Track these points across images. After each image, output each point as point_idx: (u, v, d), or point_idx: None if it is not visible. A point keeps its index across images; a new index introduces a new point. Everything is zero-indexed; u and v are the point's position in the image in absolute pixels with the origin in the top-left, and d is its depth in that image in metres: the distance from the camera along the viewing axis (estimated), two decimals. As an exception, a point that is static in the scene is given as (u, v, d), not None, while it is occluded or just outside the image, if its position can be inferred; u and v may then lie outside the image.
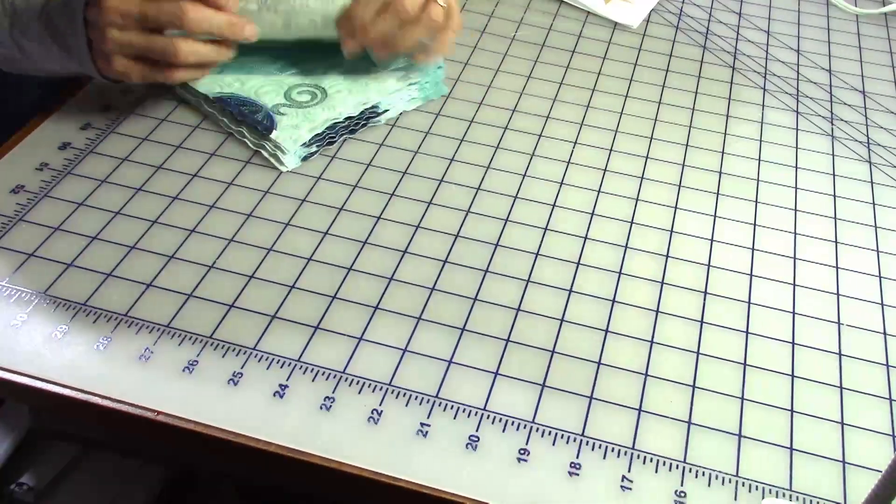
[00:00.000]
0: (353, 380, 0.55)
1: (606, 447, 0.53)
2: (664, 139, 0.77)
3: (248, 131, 0.72)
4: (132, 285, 0.60)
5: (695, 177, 0.73)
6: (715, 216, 0.69)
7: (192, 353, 0.56)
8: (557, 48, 0.88)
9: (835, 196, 0.72)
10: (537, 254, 0.65)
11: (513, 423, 0.53)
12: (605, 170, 0.73)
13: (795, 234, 0.68)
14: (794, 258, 0.66)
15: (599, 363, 0.57)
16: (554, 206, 0.69)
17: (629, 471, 0.52)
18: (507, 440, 0.53)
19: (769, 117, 0.81)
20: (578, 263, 0.64)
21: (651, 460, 0.52)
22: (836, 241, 0.68)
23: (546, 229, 0.67)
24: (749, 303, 0.62)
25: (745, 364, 0.58)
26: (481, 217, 0.67)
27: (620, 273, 0.64)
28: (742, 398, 0.56)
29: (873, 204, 0.72)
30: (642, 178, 0.72)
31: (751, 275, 0.65)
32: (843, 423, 0.55)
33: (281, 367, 0.55)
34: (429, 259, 0.63)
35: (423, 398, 0.54)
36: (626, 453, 0.52)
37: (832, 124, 0.81)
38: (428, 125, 0.76)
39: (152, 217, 0.65)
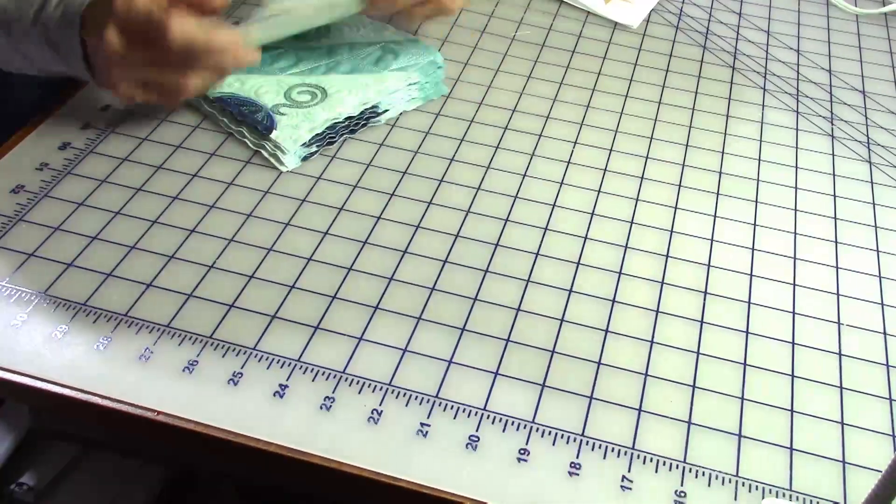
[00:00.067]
0: (353, 380, 0.55)
1: (606, 447, 0.53)
2: (664, 139, 0.77)
3: (248, 131, 0.72)
4: (132, 285, 0.60)
5: (695, 177, 0.73)
6: (715, 216, 0.69)
7: (192, 353, 0.56)
8: (557, 48, 0.88)
9: (835, 196, 0.72)
10: (537, 254, 0.65)
11: (513, 423, 0.53)
12: (605, 170, 0.73)
13: (795, 234, 0.68)
14: (794, 258, 0.66)
15: (599, 363, 0.57)
16: (554, 206, 0.69)
17: (629, 471, 0.52)
18: (507, 440, 0.53)
19: (769, 117, 0.81)
20: (578, 263, 0.64)
21: (651, 460, 0.52)
22: (836, 241, 0.68)
23: (546, 229, 0.67)
24: (749, 303, 0.62)
25: (745, 364, 0.58)
26: (481, 217, 0.67)
27: (620, 273, 0.64)
28: (742, 398, 0.56)
29: (873, 204, 0.72)
30: (642, 178, 0.72)
31: (751, 275, 0.65)
32: (843, 423, 0.55)
33: (281, 367, 0.55)
34: (429, 259, 0.63)
35: (423, 398, 0.54)
36: (626, 453, 0.52)
37: (832, 124, 0.81)
38: (428, 125, 0.76)
39: (152, 217, 0.65)
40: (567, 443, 0.53)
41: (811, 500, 0.51)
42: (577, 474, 0.51)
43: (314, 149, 0.71)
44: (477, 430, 0.53)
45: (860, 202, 0.72)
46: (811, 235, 0.68)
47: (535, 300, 0.61)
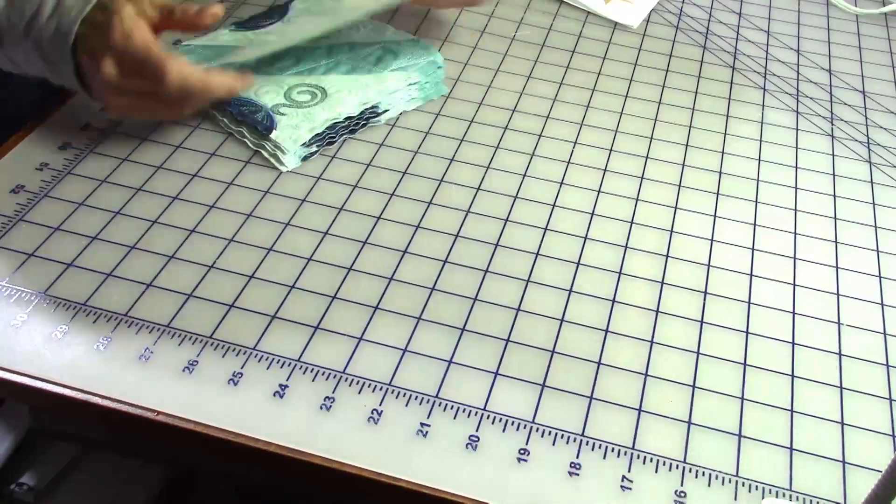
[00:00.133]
0: (353, 380, 0.55)
1: (606, 447, 0.53)
2: (664, 139, 0.77)
3: (248, 131, 0.72)
4: (132, 285, 0.60)
5: (695, 177, 0.73)
6: (715, 216, 0.69)
7: (192, 353, 0.56)
8: (557, 48, 0.88)
9: (835, 196, 0.72)
10: (537, 254, 0.65)
11: (513, 423, 0.53)
12: (605, 170, 0.73)
13: (795, 234, 0.68)
14: (794, 258, 0.66)
15: (599, 363, 0.57)
16: (554, 206, 0.69)
17: (629, 471, 0.52)
18: (507, 440, 0.53)
19: (769, 117, 0.81)
20: (578, 263, 0.64)
21: (651, 460, 0.52)
22: (836, 241, 0.68)
23: (546, 229, 0.67)
24: (749, 303, 0.62)
25: (745, 364, 0.58)
26: (481, 217, 0.67)
27: (620, 273, 0.64)
28: (742, 398, 0.56)
29: (873, 204, 0.72)
30: (642, 178, 0.72)
31: (751, 275, 0.65)
32: (843, 423, 0.55)
33: (281, 367, 0.55)
34: (429, 259, 0.63)
35: (423, 398, 0.54)
36: (626, 453, 0.52)
37: (832, 124, 0.81)
38: (428, 125, 0.76)
39: (152, 217, 0.65)
40: (567, 443, 0.53)
41: (811, 500, 0.51)
42: (577, 474, 0.51)
43: (314, 149, 0.71)
44: (477, 430, 0.53)
45: (860, 202, 0.72)
46: (811, 235, 0.68)
47: (535, 300, 0.61)
